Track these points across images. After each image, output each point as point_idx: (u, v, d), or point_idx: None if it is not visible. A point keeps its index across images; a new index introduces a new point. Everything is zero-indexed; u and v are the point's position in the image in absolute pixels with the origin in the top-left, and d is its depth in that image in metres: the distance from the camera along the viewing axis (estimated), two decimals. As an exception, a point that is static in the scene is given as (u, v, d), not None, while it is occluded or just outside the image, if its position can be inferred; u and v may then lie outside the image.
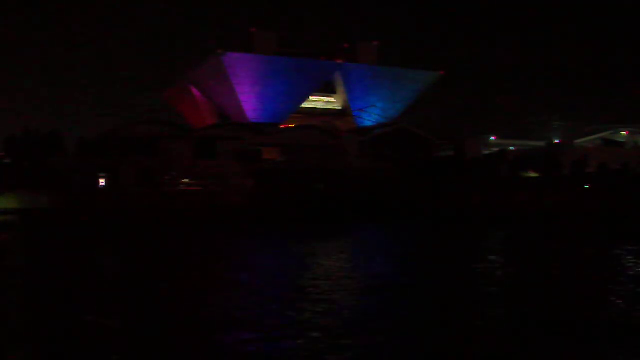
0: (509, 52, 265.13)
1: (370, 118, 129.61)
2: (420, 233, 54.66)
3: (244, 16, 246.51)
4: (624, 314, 19.58)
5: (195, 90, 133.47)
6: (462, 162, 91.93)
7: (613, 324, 18.03)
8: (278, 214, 69.56)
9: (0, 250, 41.00)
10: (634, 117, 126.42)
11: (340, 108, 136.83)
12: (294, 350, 15.45)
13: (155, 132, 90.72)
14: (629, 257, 33.43)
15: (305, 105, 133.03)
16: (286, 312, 19.83)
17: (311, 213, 69.33)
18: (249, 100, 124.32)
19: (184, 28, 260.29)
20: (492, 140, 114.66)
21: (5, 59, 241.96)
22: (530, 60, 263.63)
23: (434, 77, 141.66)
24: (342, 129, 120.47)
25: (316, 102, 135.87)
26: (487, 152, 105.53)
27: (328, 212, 69.37)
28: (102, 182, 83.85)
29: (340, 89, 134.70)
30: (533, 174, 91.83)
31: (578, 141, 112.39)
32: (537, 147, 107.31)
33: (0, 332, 17.72)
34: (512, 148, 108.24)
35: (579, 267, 31.32)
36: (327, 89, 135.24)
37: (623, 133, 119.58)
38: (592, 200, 75.20)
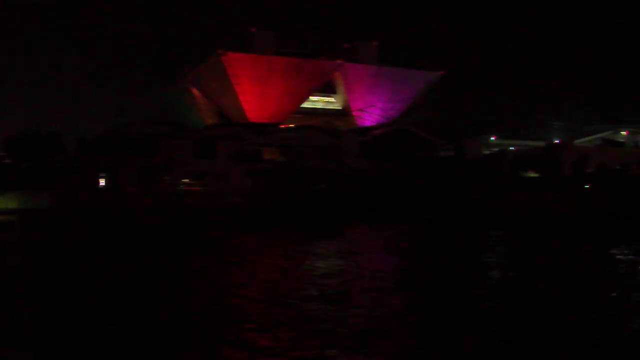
0: (509, 52, 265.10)
1: (370, 118, 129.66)
2: (420, 233, 54.67)
3: (244, 16, 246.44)
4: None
5: (195, 90, 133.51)
6: (462, 162, 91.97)
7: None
8: (278, 214, 69.56)
9: (0, 250, 40.99)
10: (634, 117, 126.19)
11: (340, 108, 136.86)
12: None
13: (155, 132, 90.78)
14: (628, 257, 33.46)
15: (305, 105, 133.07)
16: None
17: (311, 213, 69.32)
18: (249, 100, 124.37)
19: (184, 28, 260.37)
20: (492, 140, 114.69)
21: (5, 59, 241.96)
22: (531, 60, 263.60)
23: (434, 77, 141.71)
24: (342, 129, 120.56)
25: (316, 102, 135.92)
26: (487, 152, 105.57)
27: (328, 212, 69.36)
28: (102, 182, 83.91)
29: (340, 89, 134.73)
30: (533, 174, 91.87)
31: (578, 141, 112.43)
32: (537, 147, 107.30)
33: (0, 332, 17.72)
34: (512, 148, 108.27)
35: (576, 267, 31.31)
36: (327, 89, 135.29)
37: (623, 133, 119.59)
38: (592, 200, 75.21)
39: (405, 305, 21.38)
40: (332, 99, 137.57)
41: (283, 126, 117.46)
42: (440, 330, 17.58)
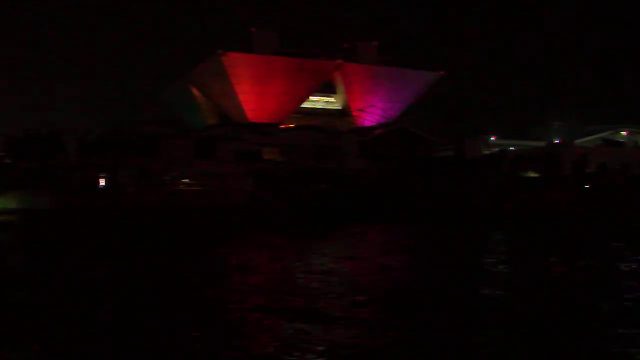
0: (509, 52, 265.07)
1: (370, 118, 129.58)
2: (419, 233, 54.67)
3: (244, 16, 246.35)
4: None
5: (195, 90, 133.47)
6: (462, 162, 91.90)
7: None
8: (278, 214, 69.51)
9: (1, 250, 40.99)
10: (634, 117, 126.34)
11: (340, 108, 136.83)
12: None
13: (155, 132, 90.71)
14: (627, 257, 33.48)
15: (305, 105, 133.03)
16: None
17: (311, 213, 69.28)
18: (249, 100, 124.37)
19: (184, 28, 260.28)
20: (492, 140, 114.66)
21: (5, 59, 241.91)
22: (531, 60, 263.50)
23: (434, 77, 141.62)
24: (342, 129, 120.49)
25: (316, 102, 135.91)
26: (487, 152, 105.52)
27: (328, 212, 69.30)
28: (102, 182, 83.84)
29: (340, 89, 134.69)
30: (533, 174, 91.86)
31: (578, 141, 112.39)
32: (537, 147, 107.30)
33: (0, 332, 17.72)
34: (512, 148, 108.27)
35: (576, 268, 31.33)
36: (327, 89, 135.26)
37: (623, 133, 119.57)
38: (592, 200, 75.23)
39: (406, 307, 21.38)
40: (332, 99, 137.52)
41: (283, 126, 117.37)
42: (442, 334, 17.56)
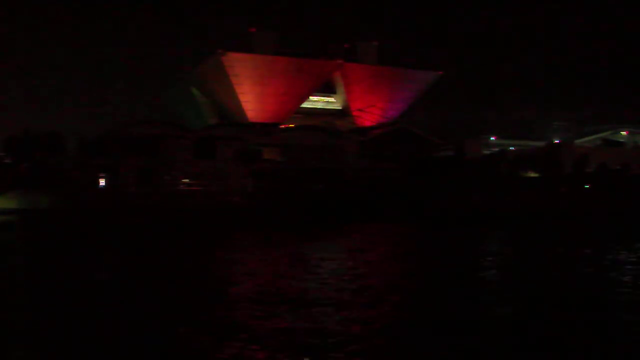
0: (509, 52, 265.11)
1: (370, 118, 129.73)
2: (420, 233, 54.66)
3: (244, 16, 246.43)
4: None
5: (195, 90, 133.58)
6: (462, 162, 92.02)
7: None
8: (278, 215, 69.51)
9: (0, 250, 40.98)
10: (634, 117, 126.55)
11: (340, 108, 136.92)
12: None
13: (155, 132, 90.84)
14: (627, 257, 33.50)
15: (305, 105, 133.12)
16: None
17: (311, 213, 69.28)
18: (249, 100, 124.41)
19: (183, 28, 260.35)
20: (492, 140, 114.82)
21: (5, 59, 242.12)
22: (531, 60, 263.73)
23: (434, 77, 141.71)
24: (342, 129, 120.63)
25: (316, 102, 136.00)
26: (487, 152, 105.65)
27: (328, 212, 69.32)
28: (102, 182, 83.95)
29: (340, 89, 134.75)
30: (533, 174, 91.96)
31: (578, 141, 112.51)
32: (537, 147, 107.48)
33: (0, 332, 17.72)
34: (512, 148, 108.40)
35: (576, 268, 31.35)
36: (327, 89, 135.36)
37: (623, 133, 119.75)
38: (592, 200, 75.30)
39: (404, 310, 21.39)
40: (332, 99, 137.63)
41: (283, 126, 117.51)
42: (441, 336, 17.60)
